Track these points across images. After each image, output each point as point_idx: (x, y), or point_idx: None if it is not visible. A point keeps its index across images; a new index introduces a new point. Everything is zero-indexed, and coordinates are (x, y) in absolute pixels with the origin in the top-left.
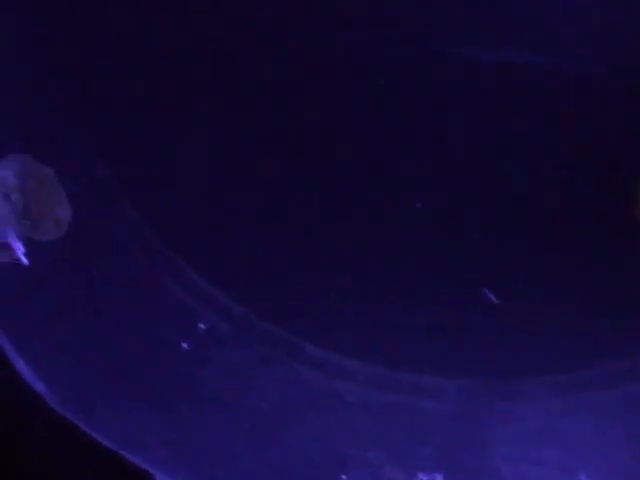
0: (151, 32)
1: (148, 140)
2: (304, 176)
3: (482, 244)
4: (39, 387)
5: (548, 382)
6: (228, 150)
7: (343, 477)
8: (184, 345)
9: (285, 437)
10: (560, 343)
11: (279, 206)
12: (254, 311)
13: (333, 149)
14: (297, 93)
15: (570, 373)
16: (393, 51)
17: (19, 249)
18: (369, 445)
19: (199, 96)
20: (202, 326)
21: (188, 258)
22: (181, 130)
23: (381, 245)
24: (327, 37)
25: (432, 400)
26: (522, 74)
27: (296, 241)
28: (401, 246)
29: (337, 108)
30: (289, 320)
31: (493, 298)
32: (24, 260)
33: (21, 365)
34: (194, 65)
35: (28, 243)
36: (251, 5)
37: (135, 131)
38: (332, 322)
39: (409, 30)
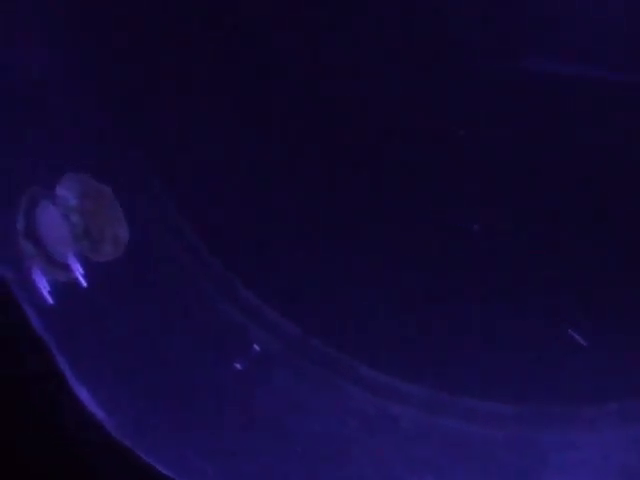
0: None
1: (199, 155)
2: (360, 196)
3: (544, 271)
4: (99, 414)
5: (608, 410)
6: (282, 166)
7: None
8: (237, 366)
9: (338, 461)
10: (620, 370)
11: (332, 225)
12: (308, 331)
13: (404, 158)
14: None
15: (632, 402)
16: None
17: (78, 270)
18: (423, 471)
19: (256, 108)
20: (256, 347)
21: (242, 277)
22: (232, 145)
23: (441, 270)
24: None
25: (487, 426)
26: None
27: (351, 261)
28: (459, 273)
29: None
30: (343, 342)
31: (580, 340)
32: (83, 281)
33: (82, 392)
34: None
35: (88, 266)
36: None
37: (186, 147)
38: (387, 344)
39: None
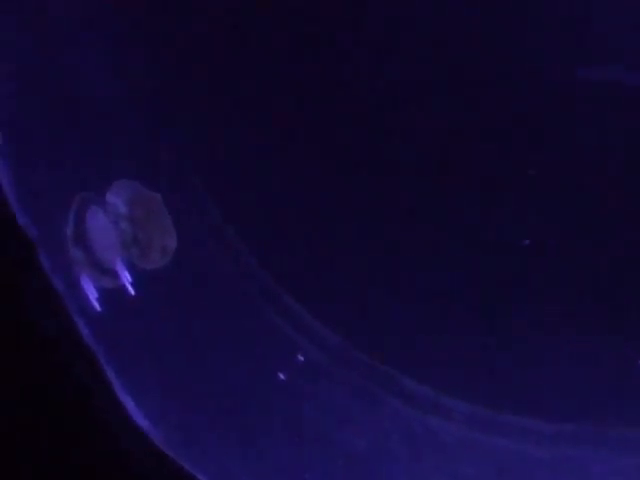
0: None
1: (246, 164)
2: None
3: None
4: (144, 424)
5: None
6: (328, 176)
7: None
8: (281, 376)
9: (378, 474)
10: None
11: (379, 238)
12: (352, 343)
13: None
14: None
15: None
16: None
17: (126, 277)
18: None
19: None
20: (301, 358)
21: (288, 288)
22: (279, 154)
23: (489, 287)
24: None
25: (529, 443)
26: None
27: (397, 276)
28: (504, 290)
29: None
30: (387, 354)
31: None
32: (130, 289)
33: (128, 402)
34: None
35: (135, 273)
36: None
37: (235, 156)
38: (431, 359)
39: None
